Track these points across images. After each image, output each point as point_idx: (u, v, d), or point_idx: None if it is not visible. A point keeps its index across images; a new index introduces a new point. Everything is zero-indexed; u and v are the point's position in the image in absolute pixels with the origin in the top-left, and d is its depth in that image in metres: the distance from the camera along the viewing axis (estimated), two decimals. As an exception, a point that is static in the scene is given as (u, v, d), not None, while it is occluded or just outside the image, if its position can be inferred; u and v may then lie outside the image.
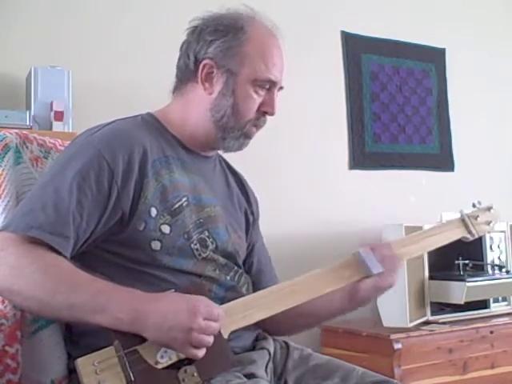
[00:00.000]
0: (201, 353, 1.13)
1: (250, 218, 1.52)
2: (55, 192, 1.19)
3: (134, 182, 1.25)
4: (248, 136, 1.38)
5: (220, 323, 1.16)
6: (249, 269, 1.49)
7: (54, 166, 1.28)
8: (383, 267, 1.33)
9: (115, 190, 1.22)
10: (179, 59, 1.41)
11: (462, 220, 1.50)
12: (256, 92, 1.35)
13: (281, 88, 1.39)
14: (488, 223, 1.53)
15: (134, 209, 1.24)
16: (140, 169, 1.26)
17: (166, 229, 1.27)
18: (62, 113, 2.12)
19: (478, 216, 1.51)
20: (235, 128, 1.35)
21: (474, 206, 1.53)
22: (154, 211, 1.26)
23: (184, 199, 1.31)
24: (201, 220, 1.33)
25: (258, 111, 1.36)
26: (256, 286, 1.44)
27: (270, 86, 1.36)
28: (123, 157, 1.24)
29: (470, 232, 1.50)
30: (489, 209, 1.54)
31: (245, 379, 1.26)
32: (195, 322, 1.11)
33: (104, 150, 1.23)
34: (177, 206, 1.29)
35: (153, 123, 1.38)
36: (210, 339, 1.13)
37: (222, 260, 1.35)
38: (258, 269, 1.51)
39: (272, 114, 1.38)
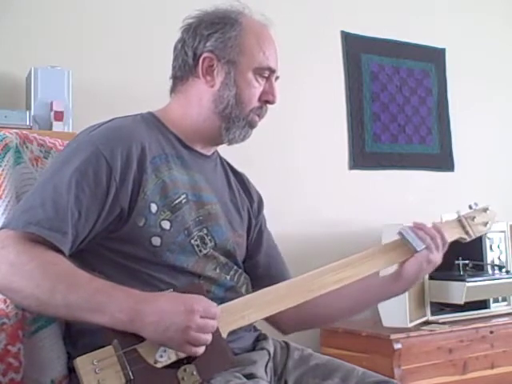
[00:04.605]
0: (200, 350, 1.13)
1: (253, 219, 1.51)
2: (54, 189, 1.19)
3: (133, 178, 1.25)
4: (252, 125, 1.39)
5: (218, 321, 1.15)
6: (256, 265, 1.49)
7: (54, 163, 1.28)
8: (425, 244, 1.39)
9: (113, 186, 1.22)
10: (176, 58, 1.41)
11: (459, 221, 1.51)
12: (257, 80, 1.37)
13: (277, 77, 1.41)
14: (485, 224, 1.54)
15: (132, 205, 1.24)
16: (138, 165, 1.26)
17: (166, 225, 1.27)
18: (61, 113, 2.12)
19: (474, 217, 1.52)
20: (239, 117, 1.37)
21: (470, 207, 1.54)
22: (154, 207, 1.26)
23: (183, 196, 1.31)
24: (200, 217, 1.33)
25: (260, 100, 1.38)
26: (266, 282, 1.39)
27: (269, 74, 1.38)
28: (122, 153, 1.24)
29: (467, 233, 1.51)
30: (485, 210, 1.54)
31: (245, 379, 1.26)
32: (192, 320, 1.11)
33: (103, 147, 1.23)
34: (176, 202, 1.29)
35: (152, 121, 1.38)
36: (208, 337, 1.13)
37: (222, 259, 1.35)
38: (267, 264, 1.51)
39: (273, 102, 1.39)
